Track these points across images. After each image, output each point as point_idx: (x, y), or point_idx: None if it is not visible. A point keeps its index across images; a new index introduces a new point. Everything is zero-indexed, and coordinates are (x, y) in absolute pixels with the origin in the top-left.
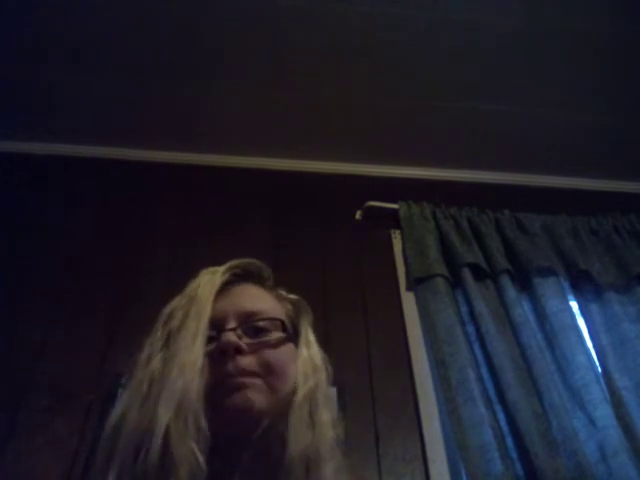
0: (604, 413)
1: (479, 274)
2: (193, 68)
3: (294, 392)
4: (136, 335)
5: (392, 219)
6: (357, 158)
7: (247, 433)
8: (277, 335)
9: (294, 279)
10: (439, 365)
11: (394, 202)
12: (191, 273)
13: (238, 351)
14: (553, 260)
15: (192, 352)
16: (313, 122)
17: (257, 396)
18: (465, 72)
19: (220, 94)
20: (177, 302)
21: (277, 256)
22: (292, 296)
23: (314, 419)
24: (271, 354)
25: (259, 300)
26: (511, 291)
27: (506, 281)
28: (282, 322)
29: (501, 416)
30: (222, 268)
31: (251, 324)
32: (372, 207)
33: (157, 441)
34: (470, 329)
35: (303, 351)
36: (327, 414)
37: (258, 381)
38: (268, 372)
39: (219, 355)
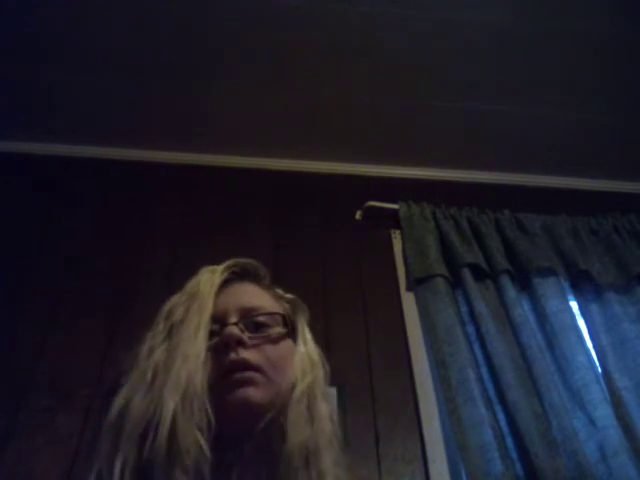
0: (604, 413)
1: (479, 274)
2: (193, 68)
3: (293, 387)
4: (136, 335)
5: (392, 219)
6: (357, 158)
7: (249, 427)
8: (278, 330)
9: (294, 279)
10: (439, 365)
11: (394, 202)
12: (191, 273)
13: (240, 344)
14: (553, 260)
15: (195, 344)
16: (313, 122)
17: (257, 392)
18: (465, 72)
19: (220, 94)
20: (177, 299)
21: (277, 256)
22: (288, 295)
23: (312, 413)
24: (272, 348)
25: (258, 297)
26: (511, 291)
27: (506, 281)
28: (283, 316)
29: (501, 416)
30: (221, 267)
31: (252, 319)
32: (372, 207)
33: (164, 428)
34: (470, 329)
35: (301, 348)
36: (325, 408)
37: (259, 375)
38: (269, 366)
39: (222, 347)
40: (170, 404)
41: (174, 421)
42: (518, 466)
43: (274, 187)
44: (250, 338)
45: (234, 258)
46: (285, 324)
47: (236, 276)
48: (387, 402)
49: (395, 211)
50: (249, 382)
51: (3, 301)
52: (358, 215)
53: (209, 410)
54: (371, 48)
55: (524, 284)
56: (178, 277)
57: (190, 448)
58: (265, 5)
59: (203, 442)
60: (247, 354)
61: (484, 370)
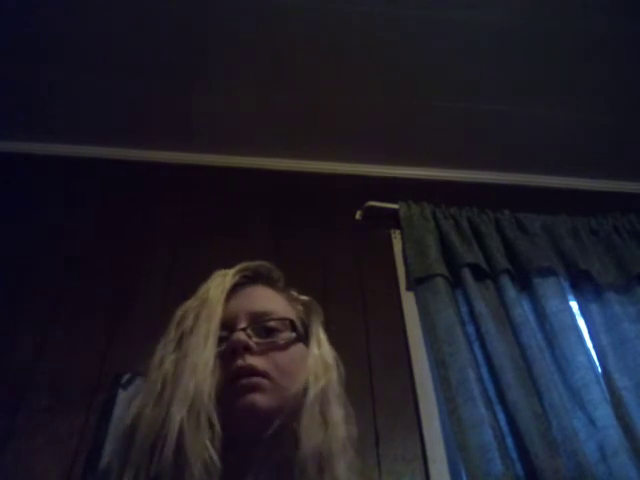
0: (604, 413)
1: (479, 274)
2: (193, 68)
3: (305, 391)
4: (136, 335)
5: (392, 219)
6: (357, 158)
7: (257, 432)
8: (287, 335)
9: (294, 279)
10: (439, 365)
11: (394, 202)
12: (191, 273)
13: (247, 349)
14: (553, 260)
15: (204, 353)
16: (313, 122)
17: (264, 398)
18: (465, 72)
19: (220, 94)
20: (189, 304)
21: (277, 256)
22: (303, 297)
23: (326, 418)
24: (280, 354)
25: (269, 301)
26: (511, 291)
27: (506, 281)
28: (292, 322)
29: (501, 416)
30: (232, 270)
31: (262, 324)
32: (372, 207)
33: (171, 440)
34: (470, 329)
35: (314, 350)
36: (339, 412)
37: (266, 381)
38: (277, 372)
39: (229, 353)
40: (177, 416)
41: (181, 433)
42: (518, 466)
43: (274, 187)
44: (258, 344)
45: (247, 261)
46: (294, 328)
47: (248, 279)
48: (387, 402)
49: (395, 211)
50: (256, 388)
51: (3, 301)
52: (358, 215)
53: (216, 420)
54: (371, 48)
55: (524, 284)
56: (178, 277)
57: (198, 457)
58: (265, 5)
59: (213, 452)
60: (254, 360)
61: (484, 370)
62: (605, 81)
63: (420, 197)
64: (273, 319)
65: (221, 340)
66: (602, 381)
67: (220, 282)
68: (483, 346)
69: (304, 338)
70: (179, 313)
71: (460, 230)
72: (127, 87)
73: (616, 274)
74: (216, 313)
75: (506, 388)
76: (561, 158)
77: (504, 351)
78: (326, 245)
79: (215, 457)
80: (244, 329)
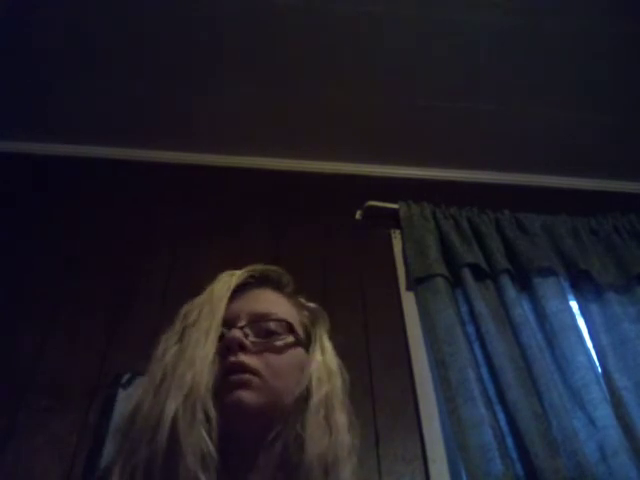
0: (604, 413)
1: (479, 274)
2: (193, 68)
3: (307, 396)
4: (136, 335)
5: (392, 219)
6: (357, 158)
7: (247, 430)
8: (285, 338)
9: (294, 279)
10: (439, 365)
11: (394, 202)
12: (191, 273)
13: (242, 347)
14: (553, 260)
15: (203, 347)
16: (313, 122)
17: (251, 395)
18: (465, 72)
19: (220, 94)
20: (196, 300)
21: (277, 256)
22: (310, 304)
23: (330, 424)
24: (275, 356)
25: (273, 303)
26: (511, 291)
27: (506, 281)
28: (289, 324)
29: (501, 416)
30: (240, 271)
31: (261, 324)
32: (372, 207)
33: (164, 429)
34: (470, 329)
35: (317, 356)
36: (343, 419)
37: (256, 379)
38: (268, 371)
39: (225, 350)
40: (172, 406)
41: (175, 422)
42: (518, 466)
43: (274, 187)
44: (254, 343)
45: (260, 264)
46: (291, 331)
47: (255, 281)
48: (387, 402)
49: (395, 211)
50: (244, 385)
51: (3, 301)
52: (358, 215)
53: (214, 413)
54: (371, 48)
55: (524, 284)
56: (178, 277)
57: (194, 446)
58: (265, 5)
59: (209, 443)
60: (246, 357)
61: (484, 370)
62: (605, 81)
63: (420, 197)
64: (272, 320)
65: (222, 337)
66: (602, 381)
67: (227, 281)
68: (483, 346)
69: (305, 343)
70: (185, 309)
71: (460, 230)
72: (127, 87)
73: (616, 274)
74: (219, 309)
75: (506, 388)
76: (561, 158)
77: (504, 351)
78: (326, 245)
79: (212, 448)
80: (242, 327)
